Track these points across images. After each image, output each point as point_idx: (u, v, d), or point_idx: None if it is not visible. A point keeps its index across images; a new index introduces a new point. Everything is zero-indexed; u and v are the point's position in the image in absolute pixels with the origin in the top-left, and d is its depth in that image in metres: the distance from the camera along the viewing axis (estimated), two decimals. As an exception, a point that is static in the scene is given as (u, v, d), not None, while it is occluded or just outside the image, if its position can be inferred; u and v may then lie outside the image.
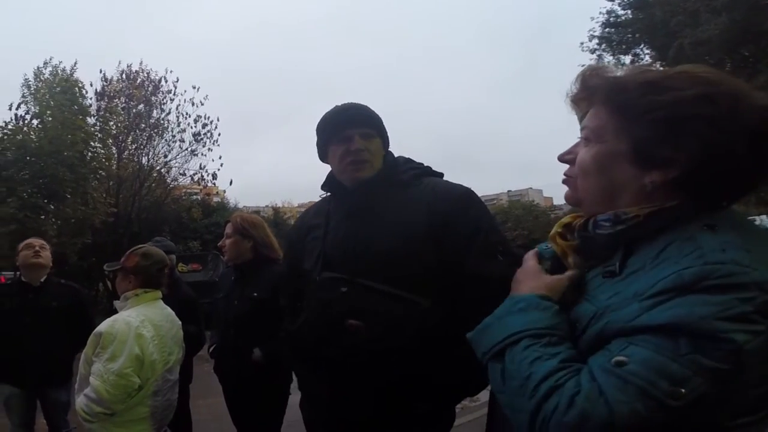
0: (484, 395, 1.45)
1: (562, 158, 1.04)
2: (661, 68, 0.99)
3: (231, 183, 16.01)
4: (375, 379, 1.48)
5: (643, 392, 0.70)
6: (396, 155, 1.79)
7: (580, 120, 1.03)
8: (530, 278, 0.97)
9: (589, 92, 0.98)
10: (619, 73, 0.96)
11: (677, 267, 0.76)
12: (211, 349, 3.01)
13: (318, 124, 1.74)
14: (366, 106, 1.74)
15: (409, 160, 1.78)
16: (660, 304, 0.74)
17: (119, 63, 15.71)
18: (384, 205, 1.62)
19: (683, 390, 0.69)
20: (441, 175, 1.78)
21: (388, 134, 1.78)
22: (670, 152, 0.85)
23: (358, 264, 1.55)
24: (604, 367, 0.75)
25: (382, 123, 1.75)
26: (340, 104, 1.74)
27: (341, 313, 1.50)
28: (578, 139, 1.01)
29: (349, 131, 1.66)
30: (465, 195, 1.64)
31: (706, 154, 0.82)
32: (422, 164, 1.78)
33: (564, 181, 1.04)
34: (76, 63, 13.34)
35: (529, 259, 1.05)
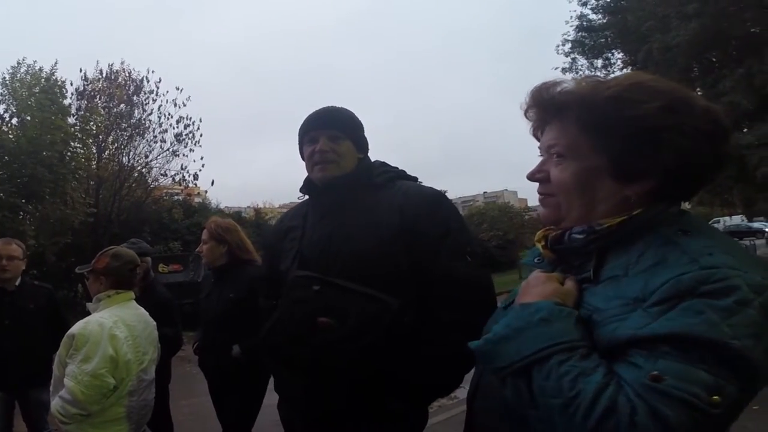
0: (461, 393, 1.48)
1: (532, 177, 1.02)
2: (609, 78, 0.98)
3: (212, 183, 15.72)
4: (346, 376, 1.51)
5: (687, 405, 0.71)
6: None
7: (534, 134, 1.04)
8: (541, 283, 0.94)
9: (555, 108, 0.98)
10: (572, 86, 0.97)
11: (673, 272, 0.78)
12: (195, 347, 3.19)
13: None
14: (342, 110, 1.78)
15: (384, 164, 1.83)
16: (666, 312, 0.76)
17: (97, 63, 15.45)
18: (357, 205, 1.66)
19: (719, 398, 0.71)
20: (415, 179, 1.83)
21: (367, 139, 1.82)
22: (647, 163, 0.87)
23: (332, 263, 1.59)
24: (643, 384, 0.74)
25: (356, 127, 1.78)
26: (318, 108, 1.78)
27: (313, 311, 1.53)
28: (541, 157, 1.01)
29: (316, 133, 1.71)
30: (435, 197, 1.69)
31: (680, 161, 0.85)
32: (397, 168, 1.83)
33: (541, 201, 1.02)
34: (56, 63, 13.13)
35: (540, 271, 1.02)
